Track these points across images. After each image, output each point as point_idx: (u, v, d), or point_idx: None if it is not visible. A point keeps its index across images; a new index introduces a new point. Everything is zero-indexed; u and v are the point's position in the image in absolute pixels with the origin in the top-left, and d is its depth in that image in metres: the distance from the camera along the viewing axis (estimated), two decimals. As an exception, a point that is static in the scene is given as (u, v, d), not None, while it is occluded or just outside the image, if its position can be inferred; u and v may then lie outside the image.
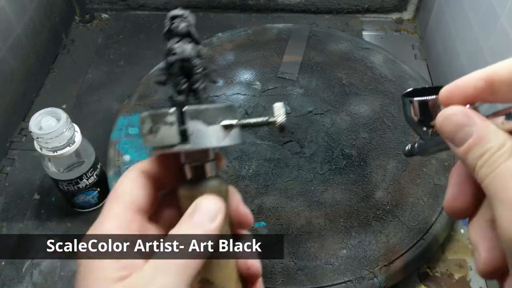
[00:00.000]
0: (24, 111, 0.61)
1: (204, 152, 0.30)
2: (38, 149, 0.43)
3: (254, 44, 0.63)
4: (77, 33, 0.73)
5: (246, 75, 0.58)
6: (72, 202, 0.49)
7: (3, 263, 0.47)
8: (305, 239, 0.44)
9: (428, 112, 0.25)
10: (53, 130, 0.40)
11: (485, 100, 0.22)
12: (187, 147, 0.29)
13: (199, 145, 0.29)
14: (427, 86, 0.26)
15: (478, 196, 0.22)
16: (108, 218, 0.27)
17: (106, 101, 0.62)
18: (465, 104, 0.22)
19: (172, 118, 0.28)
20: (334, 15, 0.75)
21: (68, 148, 0.43)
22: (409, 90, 0.26)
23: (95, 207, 0.50)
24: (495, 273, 0.20)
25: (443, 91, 0.23)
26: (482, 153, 0.20)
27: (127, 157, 0.51)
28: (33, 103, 0.63)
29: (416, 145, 0.28)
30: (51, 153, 0.42)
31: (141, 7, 0.76)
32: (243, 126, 0.31)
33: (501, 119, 0.21)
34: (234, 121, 0.30)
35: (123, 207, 0.28)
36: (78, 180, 0.46)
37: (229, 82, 0.57)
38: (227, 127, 0.30)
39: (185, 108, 0.29)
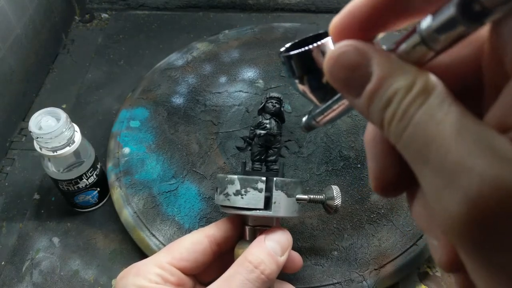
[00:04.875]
0: (24, 111, 0.61)
1: (273, 219, 0.33)
2: (38, 149, 0.43)
3: (259, 42, 0.63)
4: (77, 33, 0.73)
5: (249, 73, 0.58)
6: (72, 202, 0.49)
7: (3, 263, 0.47)
8: (297, 238, 0.44)
9: (314, 65, 0.18)
10: (52, 130, 0.40)
11: (396, 21, 0.15)
12: (268, 213, 0.32)
13: (278, 214, 0.32)
14: (312, 34, 0.19)
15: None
16: (153, 263, 0.30)
17: (106, 101, 0.62)
18: (367, 38, 0.16)
19: (262, 185, 0.32)
20: (334, 14, 0.75)
21: (67, 148, 0.43)
22: (289, 44, 0.19)
23: (95, 207, 0.50)
24: (460, 266, 0.15)
25: (333, 24, 0.16)
26: (387, 101, 0.14)
27: (126, 150, 0.51)
28: (33, 103, 0.63)
29: (311, 113, 0.21)
30: (50, 153, 0.42)
31: (141, 6, 0.76)
32: (310, 201, 0.34)
33: (404, 46, 0.15)
34: (306, 196, 0.34)
35: (170, 260, 0.31)
36: (78, 180, 0.46)
37: (232, 79, 0.57)
38: (299, 201, 0.33)
39: (275, 178, 0.32)
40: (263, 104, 0.37)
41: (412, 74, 0.14)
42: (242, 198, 0.31)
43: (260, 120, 0.36)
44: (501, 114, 0.13)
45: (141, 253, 0.46)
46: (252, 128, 0.36)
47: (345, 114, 0.19)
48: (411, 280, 0.45)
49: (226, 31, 0.66)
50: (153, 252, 0.44)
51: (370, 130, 0.17)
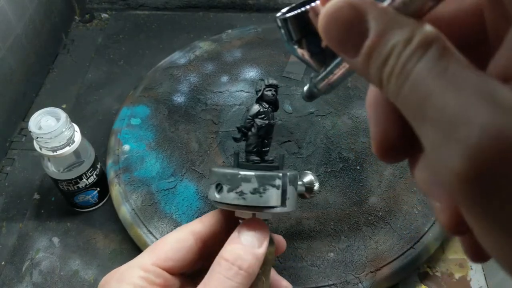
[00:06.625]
0: (24, 111, 0.61)
1: (273, 213, 0.32)
2: (38, 149, 0.43)
3: (262, 42, 0.63)
4: (77, 33, 0.73)
5: (251, 73, 0.58)
6: (72, 202, 0.49)
7: (3, 263, 0.47)
8: (294, 239, 0.44)
9: (311, 28, 0.17)
10: (52, 129, 0.40)
11: None
12: (284, 209, 0.30)
13: (290, 209, 0.31)
14: None
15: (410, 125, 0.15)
16: (137, 266, 0.29)
17: (106, 101, 0.62)
18: None
19: (279, 182, 0.30)
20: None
21: (67, 148, 0.43)
22: (286, 8, 0.18)
23: (95, 207, 0.50)
24: (464, 227, 0.14)
25: None
26: (385, 57, 0.13)
27: (126, 147, 0.51)
28: (33, 103, 0.63)
29: (311, 80, 0.20)
30: (50, 153, 0.42)
31: (141, 6, 0.76)
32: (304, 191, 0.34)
33: None
34: (303, 188, 0.33)
35: (154, 261, 0.29)
36: (78, 180, 0.46)
37: (234, 79, 0.58)
38: (301, 194, 0.33)
39: (288, 173, 0.31)
40: (261, 92, 0.34)
41: (411, 27, 0.13)
42: (261, 196, 0.29)
43: (259, 109, 0.34)
44: (503, 63, 0.13)
45: (140, 253, 0.46)
46: (250, 118, 0.34)
47: (346, 78, 0.18)
48: (411, 280, 0.45)
49: (229, 31, 0.66)
50: None
51: (371, 93, 0.17)
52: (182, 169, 0.49)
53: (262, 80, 0.35)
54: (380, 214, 0.45)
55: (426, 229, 0.45)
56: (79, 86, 0.64)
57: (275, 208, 0.30)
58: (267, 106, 0.34)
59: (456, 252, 0.47)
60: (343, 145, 0.50)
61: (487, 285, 0.45)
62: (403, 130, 0.16)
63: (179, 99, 0.56)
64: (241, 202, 0.29)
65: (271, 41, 0.63)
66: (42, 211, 0.51)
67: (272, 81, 0.35)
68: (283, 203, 0.30)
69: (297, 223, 0.45)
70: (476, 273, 0.46)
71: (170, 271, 0.30)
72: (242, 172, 0.29)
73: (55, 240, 0.48)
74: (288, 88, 0.56)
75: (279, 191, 0.30)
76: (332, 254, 0.43)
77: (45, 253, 0.47)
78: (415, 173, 0.17)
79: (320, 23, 0.15)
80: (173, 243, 0.30)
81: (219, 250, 0.32)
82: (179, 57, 0.62)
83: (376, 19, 0.14)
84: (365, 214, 0.45)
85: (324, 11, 0.15)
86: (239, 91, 0.56)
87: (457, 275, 0.46)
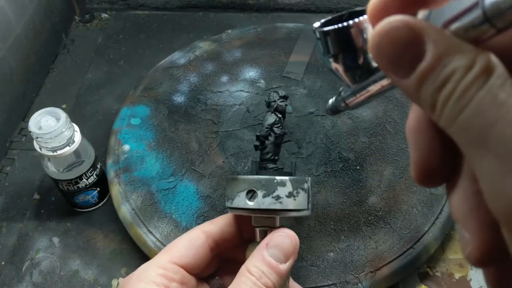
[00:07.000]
0: (24, 111, 0.61)
1: (276, 219, 0.32)
2: (38, 149, 0.43)
3: (262, 42, 0.63)
4: (77, 33, 0.73)
5: (251, 73, 0.58)
6: (72, 202, 0.49)
7: (3, 263, 0.47)
8: None
9: (351, 43, 0.17)
10: (52, 129, 0.40)
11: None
12: (308, 212, 0.31)
13: (310, 211, 0.32)
14: (348, 11, 0.18)
15: (452, 151, 0.15)
16: (154, 265, 0.30)
17: (106, 101, 0.62)
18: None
19: (307, 186, 0.31)
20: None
21: (67, 148, 0.43)
22: (324, 20, 0.19)
23: (95, 207, 0.50)
24: (491, 260, 0.15)
25: (372, 2, 0.15)
26: (443, 81, 0.13)
27: (126, 147, 0.51)
28: (33, 103, 0.63)
29: (341, 94, 0.20)
30: (50, 153, 0.42)
31: (141, 6, 0.76)
32: None
33: (461, 22, 0.13)
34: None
35: (170, 259, 0.30)
36: (78, 180, 0.46)
37: (234, 79, 0.57)
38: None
39: (309, 178, 0.32)
40: (276, 103, 0.36)
41: (471, 53, 0.13)
42: (295, 200, 0.30)
43: (275, 118, 0.36)
44: None
45: (140, 253, 0.46)
46: (268, 127, 0.35)
47: (378, 97, 0.18)
48: (411, 280, 0.45)
49: (229, 31, 0.66)
50: (150, 249, 0.45)
51: (413, 117, 0.17)
52: (182, 169, 0.49)
53: (276, 92, 0.37)
54: (380, 214, 0.45)
55: (426, 229, 0.45)
56: (79, 86, 0.64)
57: (303, 211, 0.31)
58: (280, 115, 0.36)
59: (456, 252, 0.47)
60: (343, 145, 0.50)
61: (487, 285, 0.45)
62: (444, 156, 0.16)
63: (179, 99, 0.56)
64: (277, 206, 0.30)
65: (271, 41, 0.63)
66: (42, 211, 0.51)
67: (284, 93, 0.37)
68: (308, 205, 0.31)
69: (297, 223, 0.45)
70: (476, 273, 0.46)
71: (186, 269, 0.30)
72: (278, 177, 0.31)
73: (55, 240, 0.49)
74: (288, 88, 0.56)
75: (306, 194, 0.31)
76: (332, 254, 0.43)
77: (45, 253, 0.47)
78: (451, 200, 0.16)
79: (373, 41, 0.14)
80: (186, 242, 0.31)
81: (232, 255, 0.32)
82: (179, 57, 0.62)
83: (434, 42, 0.13)
84: (365, 214, 0.45)
85: (378, 29, 0.14)
86: (239, 91, 0.56)
87: (457, 275, 0.46)
